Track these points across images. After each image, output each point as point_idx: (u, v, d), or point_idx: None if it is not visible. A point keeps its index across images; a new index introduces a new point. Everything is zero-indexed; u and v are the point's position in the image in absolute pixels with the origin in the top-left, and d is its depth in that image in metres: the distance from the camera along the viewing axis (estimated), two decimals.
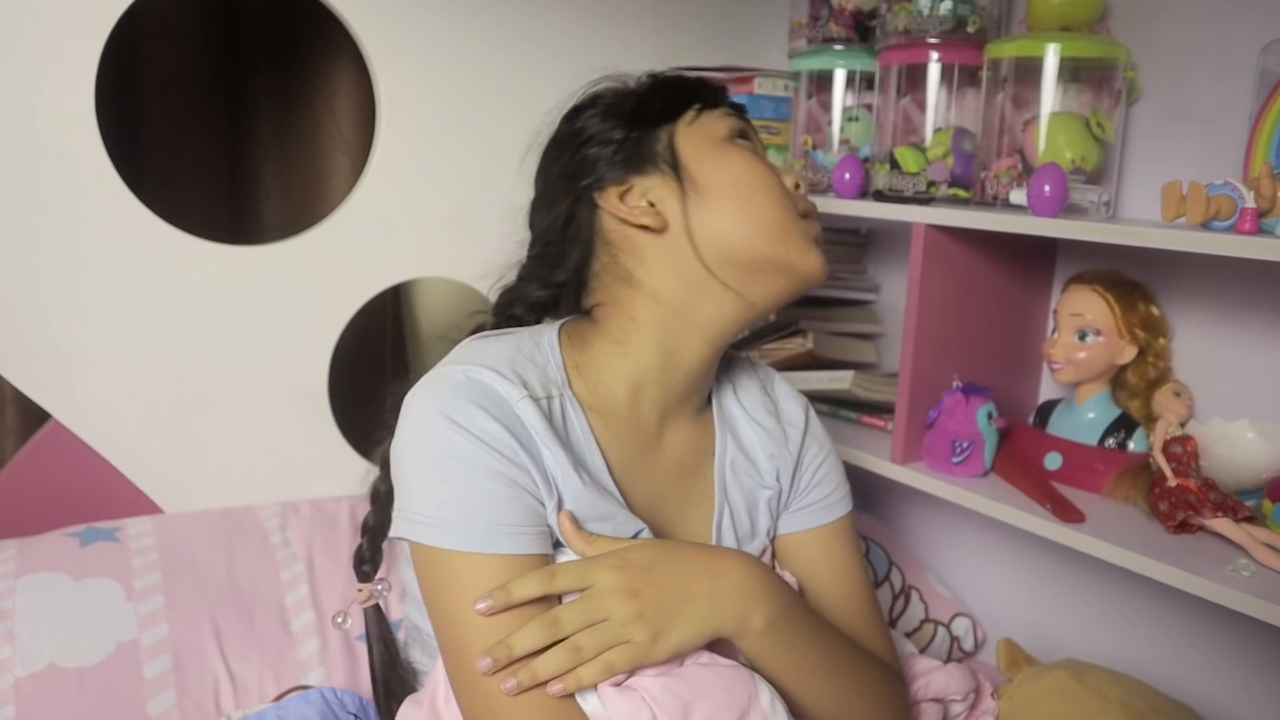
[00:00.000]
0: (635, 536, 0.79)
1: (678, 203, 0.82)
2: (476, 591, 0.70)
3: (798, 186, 0.87)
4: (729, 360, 0.94)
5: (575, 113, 0.88)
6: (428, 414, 0.73)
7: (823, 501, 0.93)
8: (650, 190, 0.83)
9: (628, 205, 0.83)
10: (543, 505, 0.75)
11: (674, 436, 0.86)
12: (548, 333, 0.84)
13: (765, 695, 0.73)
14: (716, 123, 0.86)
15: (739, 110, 0.90)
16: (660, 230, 0.82)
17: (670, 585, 0.72)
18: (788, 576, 0.90)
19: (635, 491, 0.82)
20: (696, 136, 0.85)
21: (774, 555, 0.93)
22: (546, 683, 0.69)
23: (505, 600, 0.70)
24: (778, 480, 0.91)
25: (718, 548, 0.82)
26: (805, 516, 0.93)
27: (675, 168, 0.83)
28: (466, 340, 0.83)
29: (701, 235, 0.81)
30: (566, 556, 0.76)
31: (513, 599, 0.70)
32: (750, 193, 0.82)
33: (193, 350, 1.18)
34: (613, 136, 0.85)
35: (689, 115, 0.86)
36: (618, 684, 0.70)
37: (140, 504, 1.17)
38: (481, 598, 0.70)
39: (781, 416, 0.93)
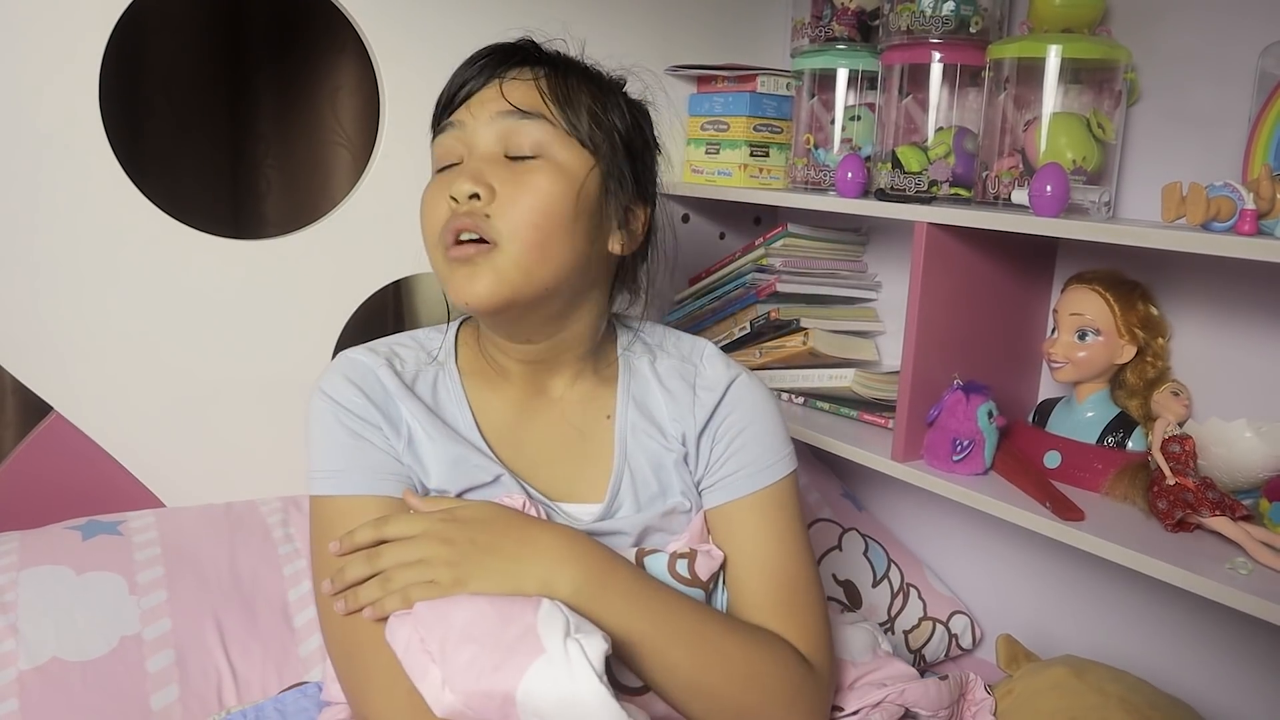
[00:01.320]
0: (494, 480, 0.86)
1: None
2: (324, 528, 0.83)
3: (456, 199, 0.82)
4: (659, 331, 0.98)
5: None
6: (314, 393, 0.87)
7: (741, 472, 0.91)
8: None
9: None
10: (396, 455, 0.85)
11: (563, 400, 0.92)
12: (454, 320, 0.95)
13: (544, 607, 0.72)
14: (438, 144, 0.88)
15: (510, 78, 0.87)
16: None
17: (482, 542, 0.78)
18: (715, 552, 0.88)
19: (518, 449, 0.89)
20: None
21: (708, 529, 0.91)
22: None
23: (350, 544, 0.80)
24: (683, 443, 0.91)
25: (542, 521, 0.83)
26: (725, 488, 0.91)
27: None
28: None
29: None
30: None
31: (355, 543, 0.80)
32: (422, 229, 0.86)
33: (195, 344, 1.18)
34: None
35: None
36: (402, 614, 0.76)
37: (142, 498, 1.17)
38: (333, 542, 0.81)
39: (698, 381, 0.93)
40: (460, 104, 0.86)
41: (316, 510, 0.85)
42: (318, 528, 0.85)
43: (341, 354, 0.90)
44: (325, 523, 0.83)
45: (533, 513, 0.84)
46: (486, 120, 0.84)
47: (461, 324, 0.95)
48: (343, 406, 0.85)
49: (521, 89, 0.85)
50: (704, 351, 0.96)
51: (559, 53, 0.91)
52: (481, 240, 0.81)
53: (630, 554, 0.86)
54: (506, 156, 0.84)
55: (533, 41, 0.90)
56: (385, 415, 0.85)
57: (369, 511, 0.82)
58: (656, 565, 0.86)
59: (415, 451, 0.85)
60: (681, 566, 0.86)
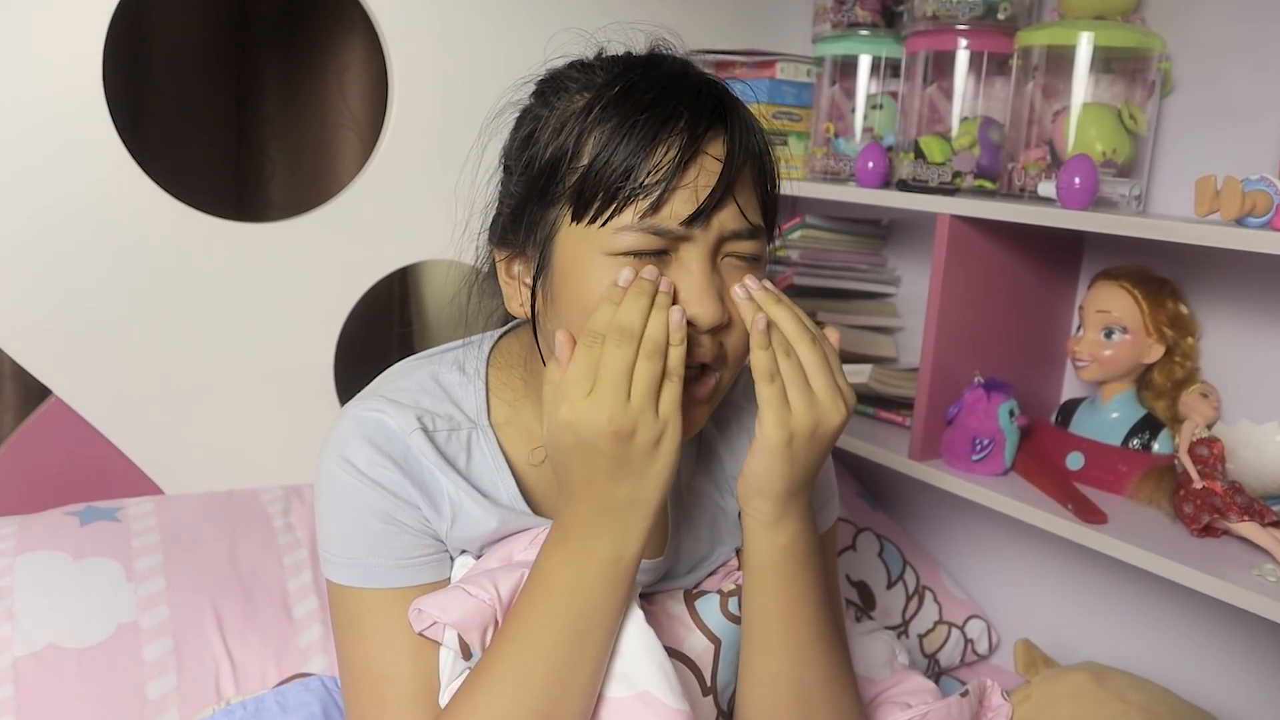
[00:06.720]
0: None
1: (542, 301, 0.74)
2: (354, 621, 0.76)
3: (691, 324, 0.69)
4: None
5: (539, 93, 0.77)
6: (327, 453, 0.77)
7: None
8: (532, 272, 0.74)
9: (511, 276, 0.77)
10: (433, 532, 0.77)
11: None
12: (478, 354, 0.82)
13: None
14: (616, 234, 0.69)
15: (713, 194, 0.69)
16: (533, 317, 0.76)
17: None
18: None
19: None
20: (581, 238, 0.71)
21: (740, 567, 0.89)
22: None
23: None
24: None
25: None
26: None
27: (545, 264, 0.73)
28: (394, 366, 0.84)
29: (550, 349, 0.73)
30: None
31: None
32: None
33: (196, 328, 1.17)
34: (515, 187, 0.75)
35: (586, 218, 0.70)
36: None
37: (140, 484, 1.16)
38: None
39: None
40: (663, 188, 0.68)
41: (339, 599, 0.76)
42: (345, 619, 0.76)
43: (358, 409, 0.77)
44: (352, 616, 0.76)
45: None
46: (715, 233, 0.71)
47: (489, 367, 0.82)
48: (373, 482, 0.74)
49: (748, 197, 0.72)
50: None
51: (743, 109, 0.75)
52: (705, 366, 0.72)
53: (679, 597, 0.85)
54: (722, 256, 0.72)
55: (720, 89, 0.74)
56: (423, 490, 0.75)
57: (401, 602, 0.74)
58: (708, 608, 0.84)
59: (460, 530, 0.77)
60: (733, 605, 0.84)
